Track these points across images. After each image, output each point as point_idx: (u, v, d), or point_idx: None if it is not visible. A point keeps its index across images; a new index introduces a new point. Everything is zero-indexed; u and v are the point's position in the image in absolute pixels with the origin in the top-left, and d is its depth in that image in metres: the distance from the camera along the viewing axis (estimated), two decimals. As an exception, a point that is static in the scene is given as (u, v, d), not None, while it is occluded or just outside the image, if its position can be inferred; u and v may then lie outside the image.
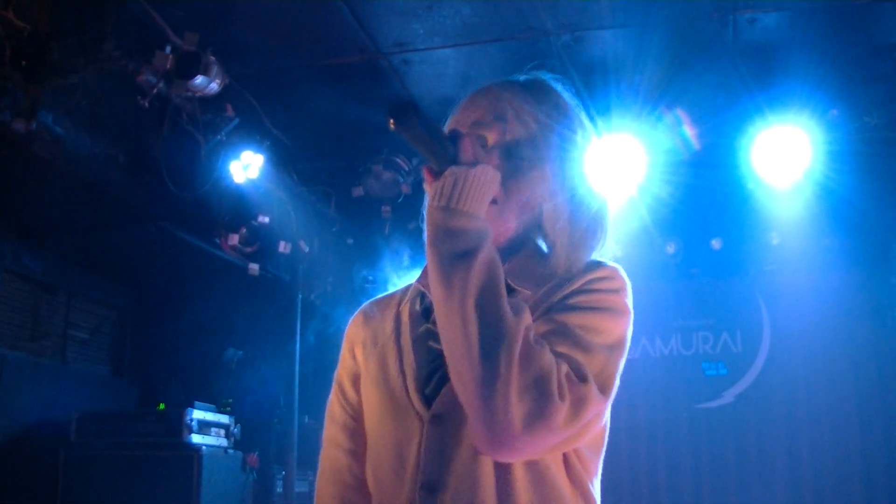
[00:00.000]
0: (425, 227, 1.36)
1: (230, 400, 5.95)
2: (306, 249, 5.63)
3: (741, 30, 4.21)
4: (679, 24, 4.12)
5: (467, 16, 4.10)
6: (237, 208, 5.32)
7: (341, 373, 1.63)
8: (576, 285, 1.42)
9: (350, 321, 1.67)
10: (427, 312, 1.51)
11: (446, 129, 1.49)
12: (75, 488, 5.11)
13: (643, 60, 4.26)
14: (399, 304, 1.59)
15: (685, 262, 5.91)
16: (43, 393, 5.67)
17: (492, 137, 1.49)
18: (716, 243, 5.70)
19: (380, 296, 1.69)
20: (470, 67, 4.50)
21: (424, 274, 1.51)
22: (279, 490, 5.86)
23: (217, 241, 5.48)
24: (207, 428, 5.34)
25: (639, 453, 6.06)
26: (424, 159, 1.40)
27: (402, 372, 1.48)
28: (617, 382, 1.39)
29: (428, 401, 1.43)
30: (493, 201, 1.42)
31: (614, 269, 1.47)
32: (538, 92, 1.56)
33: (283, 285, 5.95)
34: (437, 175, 1.37)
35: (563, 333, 1.34)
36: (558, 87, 1.60)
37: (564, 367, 1.27)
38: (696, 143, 4.89)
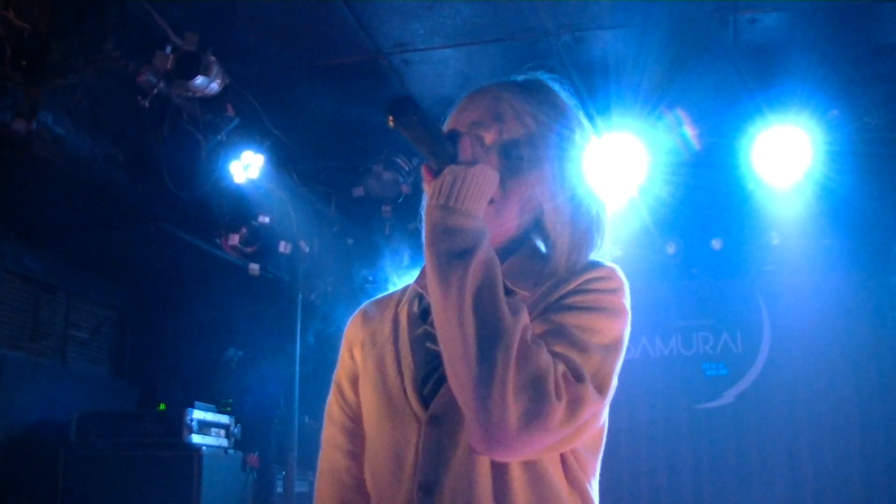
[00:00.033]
0: (423, 225, 1.36)
1: (230, 400, 5.95)
2: (306, 249, 5.64)
3: (741, 30, 4.22)
4: (679, 25, 4.12)
5: (467, 16, 4.10)
6: (237, 208, 5.32)
7: (340, 373, 1.63)
8: (573, 285, 1.42)
9: (349, 322, 1.67)
10: (425, 314, 1.51)
11: (445, 129, 1.49)
12: (75, 488, 5.11)
13: (643, 61, 4.26)
14: (397, 305, 1.59)
15: (685, 263, 5.91)
16: (43, 393, 5.67)
17: (490, 137, 1.49)
18: (716, 243, 5.70)
19: (379, 296, 1.69)
20: (470, 67, 4.50)
21: (422, 275, 1.51)
22: (279, 490, 5.86)
23: (217, 241, 5.49)
24: (207, 428, 5.34)
25: (639, 454, 6.05)
26: (424, 159, 1.40)
27: (400, 373, 1.48)
28: (614, 382, 1.39)
29: (425, 402, 1.42)
30: (491, 201, 1.42)
31: (612, 269, 1.47)
32: (536, 92, 1.56)
33: (284, 285, 5.96)
34: (435, 174, 1.37)
35: (560, 333, 1.33)
36: (556, 86, 1.59)
37: (561, 367, 1.27)
38: (696, 144, 4.89)
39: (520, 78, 1.60)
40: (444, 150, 1.37)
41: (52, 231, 5.69)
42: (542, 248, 1.53)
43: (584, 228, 1.51)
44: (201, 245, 5.67)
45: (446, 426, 1.39)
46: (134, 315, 6.84)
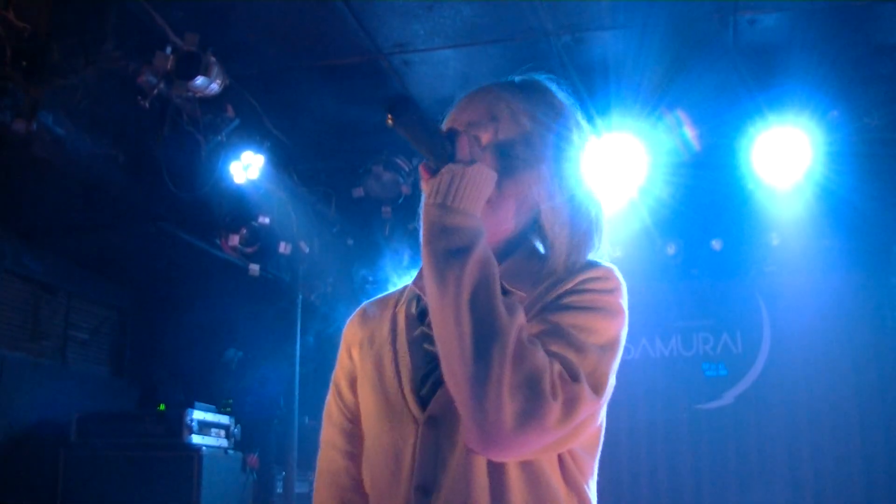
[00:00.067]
0: (421, 224, 1.36)
1: (230, 400, 5.95)
2: (307, 250, 5.64)
3: (741, 31, 4.22)
4: (679, 25, 4.12)
5: (468, 16, 4.10)
6: (237, 209, 5.32)
7: (338, 374, 1.63)
8: (570, 285, 1.42)
9: (347, 323, 1.66)
10: (423, 315, 1.51)
11: (443, 129, 1.49)
12: (75, 488, 5.11)
13: (643, 61, 4.26)
14: (396, 306, 1.59)
15: (685, 263, 5.91)
16: (43, 393, 5.67)
17: (486, 137, 1.49)
18: (716, 244, 5.70)
19: (377, 297, 1.68)
20: (470, 68, 4.50)
21: (420, 276, 1.51)
22: (279, 491, 5.87)
23: (217, 241, 5.49)
24: (207, 428, 5.34)
25: (639, 454, 6.05)
26: (423, 159, 1.40)
27: (398, 374, 1.48)
28: (611, 382, 1.38)
29: (423, 403, 1.42)
30: (488, 200, 1.42)
31: (609, 270, 1.47)
32: (532, 92, 1.56)
33: (284, 286, 5.96)
34: (433, 173, 1.37)
35: (556, 333, 1.33)
36: (553, 87, 1.59)
37: (557, 367, 1.27)
38: (696, 144, 4.89)
39: (517, 78, 1.60)
40: (442, 150, 1.37)
41: (53, 231, 5.69)
42: (541, 248, 1.53)
43: (582, 229, 1.51)
44: (201, 245, 5.67)
45: (444, 427, 1.39)
46: (134, 315, 6.84)
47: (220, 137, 4.71)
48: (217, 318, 6.31)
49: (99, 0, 3.92)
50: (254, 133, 4.97)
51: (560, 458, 1.41)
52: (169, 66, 4.00)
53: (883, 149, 4.75)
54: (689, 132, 4.84)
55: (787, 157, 4.84)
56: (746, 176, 5.05)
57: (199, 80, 4.06)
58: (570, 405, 1.26)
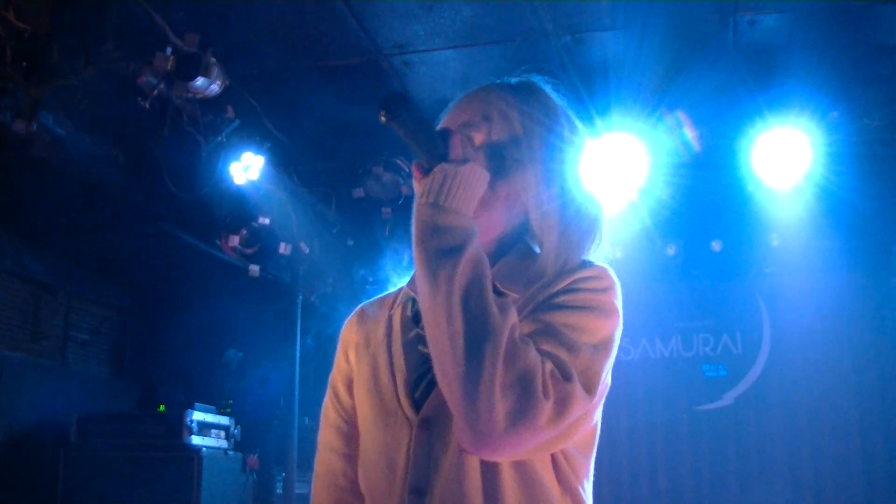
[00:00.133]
0: (413, 223, 1.35)
1: (230, 401, 5.96)
2: (307, 251, 5.64)
3: (741, 31, 4.22)
4: (679, 26, 4.12)
5: (468, 17, 4.10)
6: (238, 209, 5.32)
7: (335, 376, 1.63)
8: (562, 284, 1.41)
9: (344, 324, 1.66)
10: (417, 317, 1.50)
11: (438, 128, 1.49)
12: (75, 489, 5.11)
13: (643, 62, 4.26)
14: (392, 308, 1.59)
15: (686, 264, 5.91)
16: (43, 394, 5.67)
17: (479, 138, 1.48)
18: (716, 245, 5.70)
19: (374, 298, 1.68)
20: (470, 69, 4.50)
21: (414, 278, 1.51)
22: (279, 491, 5.87)
23: (217, 242, 5.49)
24: (207, 429, 5.34)
25: (639, 455, 6.05)
26: (416, 158, 1.40)
27: (393, 376, 1.47)
28: (604, 382, 1.37)
29: (417, 405, 1.42)
30: (481, 201, 1.41)
31: (602, 269, 1.46)
32: (526, 93, 1.56)
33: (284, 286, 5.96)
34: (426, 172, 1.37)
35: (549, 332, 1.33)
36: (547, 88, 1.59)
37: (549, 366, 1.26)
38: (696, 145, 4.89)
39: (513, 80, 1.60)
40: (435, 148, 1.37)
41: (53, 232, 5.70)
42: (536, 248, 1.53)
43: (576, 229, 1.50)
44: (201, 246, 5.68)
45: (437, 429, 1.38)
46: (134, 316, 6.85)
47: (220, 138, 4.71)
48: (217, 319, 6.32)
49: (99, 0, 3.92)
50: (254, 133, 4.97)
51: (553, 459, 1.40)
52: (169, 67, 4.00)
53: (883, 149, 4.75)
54: (690, 133, 4.84)
55: (788, 157, 4.84)
56: (746, 177, 5.05)
57: (200, 81, 4.06)
58: (562, 404, 1.25)
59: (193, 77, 4.03)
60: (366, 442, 1.51)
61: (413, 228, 1.35)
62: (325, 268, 5.94)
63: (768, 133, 4.82)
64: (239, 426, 5.64)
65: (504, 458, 1.34)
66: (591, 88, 4.48)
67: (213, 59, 4.08)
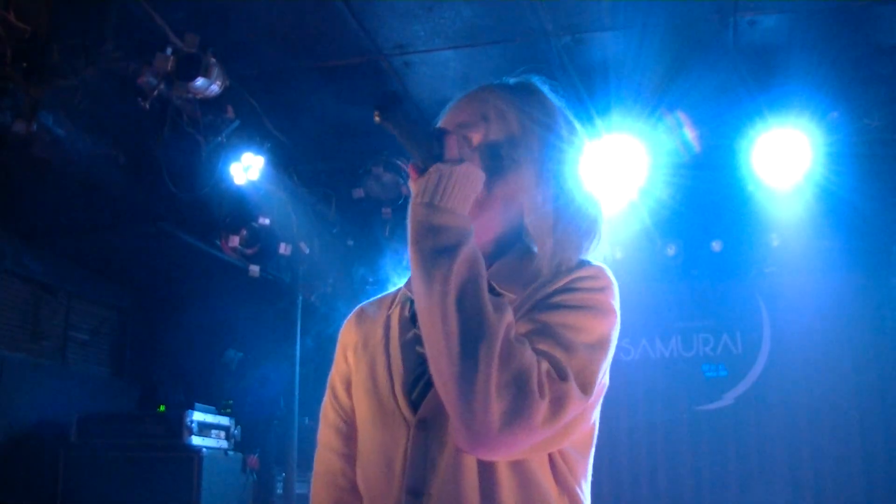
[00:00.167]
0: (408, 223, 1.35)
1: (230, 401, 5.96)
2: (307, 251, 5.64)
3: (741, 32, 4.22)
4: (679, 26, 4.12)
5: (468, 17, 4.10)
6: (238, 210, 5.32)
7: (334, 376, 1.63)
8: (559, 284, 1.41)
9: (343, 325, 1.66)
10: (415, 318, 1.49)
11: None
12: (76, 489, 5.11)
13: (643, 62, 4.26)
14: (390, 308, 1.59)
15: (686, 264, 5.91)
16: (43, 394, 5.67)
17: (477, 138, 1.48)
18: (716, 245, 5.70)
19: (373, 298, 1.68)
20: (470, 69, 4.50)
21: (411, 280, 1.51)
22: (279, 491, 5.87)
23: (217, 242, 5.49)
24: (208, 430, 5.34)
25: (639, 455, 6.05)
26: (411, 157, 1.40)
27: (391, 377, 1.48)
28: (600, 381, 1.37)
29: (415, 406, 1.42)
30: (477, 201, 1.41)
31: (599, 269, 1.46)
32: (524, 93, 1.56)
33: (284, 287, 5.96)
34: (421, 172, 1.37)
35: (545, 332, 1.32)
36: (545, 88, 1.59)
37: (545, 365, 1.26)
38: (696, 145, 4.89)
39: (511, 80, 1.60)
40: (430, 148, 1.37)
41: (53, 232, 5.70)
42: (535, 249, 1.53)
43: (573, 229, 1.50)
44: (201, 246, 5.68)
45: (434, 430, 1.38)
46: (134, 316, 6.85)
47: (220, 138, 4.71)
48: (217, 319, 6.32)
49: (99, 1, 3.92)
50: (254, 134, 4.97)
51: (551, 459, 1.40)
52: (169, 67, 4.00)
53: (883, 149, 4.75)
54: (690, 133, 4.84)
55: (788, 157, 4.84)
56: (746, 177, 5.05)
57: (200, 81, 4.06)
58: (558, 404, 1.25)
59: (193, 77, 4.03)
60: (364, 442, 1.52)
61: (409, 228, 1.34)
62: (325, 268, 5.94)
63: (768, 133, 4.83)
64: (239, 426, 5.64)
65: (500, 458, 1.34)
66: (591, 88, 4.48)
67: (213, 60, 4.08)
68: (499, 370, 1.21)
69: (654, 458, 6.06)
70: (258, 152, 4.99)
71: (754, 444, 5.92)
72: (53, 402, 5.64)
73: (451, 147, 1.37)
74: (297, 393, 5.70)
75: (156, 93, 4.05)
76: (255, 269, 5.52)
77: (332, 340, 1.66)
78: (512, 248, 1.51)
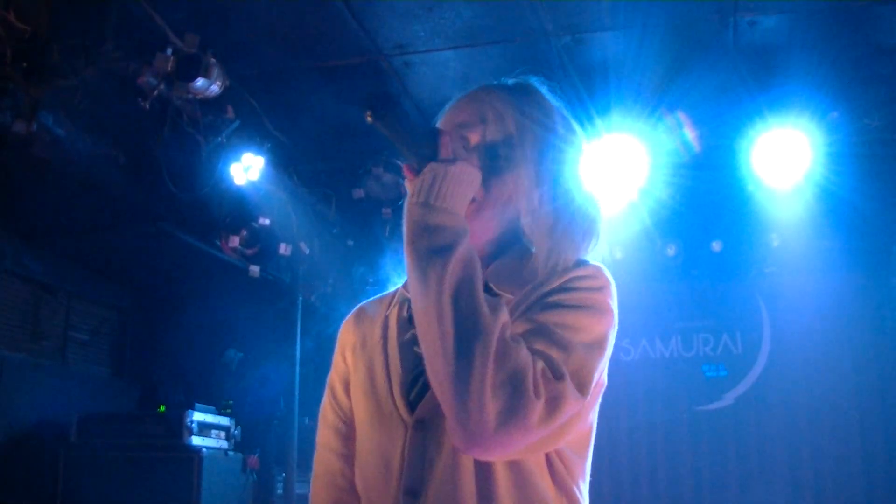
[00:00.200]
0: (403, 223, 1.35)
1: (230, 402, 5.96)
2: (307, 251, 5.64)
3: (741, 32, 4.22)
4: (679, 26, 4.12)
5: (468, 18, 4.10)
6: (238, 210, 5.33)
7: (333, 377, 1.63)
8: (556, 283, 1.41)
9: (342, 325, 1.66)
10: (413, 318, 1.51)
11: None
12: (76, 489, 5.11)
13: (643, 62, 4.26)
14: (388, 309, 1.59)
15: (686, 264, 5.91)
16: (43, 394, 5.67)
17: (475, 138, 1.48)
18: (716, 245, 5.70)
19: (371, 298, 1.68)
20: (471, 69, 4.50)
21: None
22: (279, 492, 5.87)
23: (217, 242, 5.49)
24: (208, 430, 5.34)
25: (639, 455, 6.05)
26: (406, 158, 1.40)
27: (389, 378, 1.48)
28: (597, 381, 1.37)
29: (412, 406, 1.42)
30: (473, 200, 1.41)
31: (597, 268, 1.45)
32: (522, 94, 1.55)
33: (284, 287, 5.96)
34: (416, 172, 1.37)
35: (541, 331, 1.32)
36: (543, 89, 1.59)
37: (540, 365, 1.26)
38: (696, 146, 4.89)
39: (510, 81, 1.60)
40: (423, 148, 1.36)
41: (53, 232, 5.70)
42: (533, 249, 1.52)
43: (571, 229, 1.49)
44: (201, 246, 5.68)
45: (431, 430, 1.38)
46: (134, 316, 6.85)
47: (220, 138, 4.71)
48: (217, 319, 6.32)
49: (99, 1, 3.92)
50: (254, 134, 4.97)
51: (548, 459, 1.40)
52: (169, 68, 4.00)
53: (883, 149, 4.75)
54: (690, 133, 4.84)
55: (788, 158, 4.84)
56: (746, 177, 5.05)
57: (200, 82, 4.06)
58: (554, 403, 1.25)
59: (193, 77, 4.04)
60: (362, 443, 1.52)
61: (404, 228, 1.34)
62: (326, 268, 5.94)
63: (768, 133, 4.83)
64: (239, 426, 5.64)
65: (496, 458, 1.34)
66: (591, 89, 4.48)
67: (213, 60, 4.08)
68: (494, 370, 1.21)
69: (654, 458, 6.06)
70: (258, 152, 4.99)
71: (754, 444, 5.92)
72: (53, 402, 5.64)
73: (445, 146, 1.37)
74: (297, 393, 5.71)
75: (156, 93, 4.05)
76: (255, 269, 5.52)
77: (332, 340, 1.66)
78: (510, 249, 1.51)
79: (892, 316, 5.80)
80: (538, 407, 1.22)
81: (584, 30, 4.20)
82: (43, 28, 3.78)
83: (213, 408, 5.53)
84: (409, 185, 1.39)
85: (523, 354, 1.25)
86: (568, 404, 1.27)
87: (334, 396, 1.61)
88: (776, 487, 5.81)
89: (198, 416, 5.24)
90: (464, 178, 1.36)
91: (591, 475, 1.50)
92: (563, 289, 1.40)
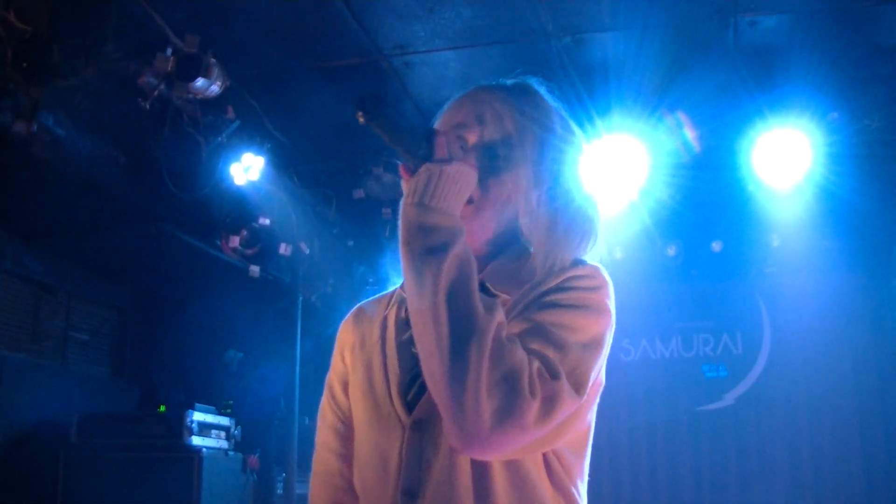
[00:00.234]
0: (399, 224, 1.34)
1: (231, 402, 5.96)
2: (307, 251, 5.64)
3: (742, 32, 4.22)
4: (680, 27, 4.12)
5: (468, 18, 4.10)
6: (238, 210, 5.33)
7: (332, 377, 1.63)
8: (553, 283, 1.41)
9: (341, 325, 1.66)
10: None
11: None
12: (76, 489, 5.11)
13: (644, 63, 4.26)
14: (387, 308, 1.59)
15: (686, 265, 5.91)
16: (43, 394, 5.67)
17: (472, 138, 1.48)
18: (716, 245, 5.70)
19: (371, 298, 1.68)
20: (471, 70, 4.50)
21: None
22: (279, 492, 5.87)
23: (218, 242, 5.49)
24: (208, 430, 5.34)
25: (639, 455, 6.06)
26: (401, 158, 1.40)
27: (386, 378, 1.47)
28: (594, 381, 1.36)
29: (410, 407, 1.42)
30: (470, 200, 1.41)
31: (594, 268, 1.45)
32: (520, 94, 1.55)
33: (284, 287, 5.96)
34: (412, 172, 1.37)
35: (537, 331, 1.32)
36: (542, 89, 1.59)
37: (536, 364, 1.25)
38: (696, 146, 4.89)
39: (509, 81, 1.59)
40: (419, 148, 1.36)
41: (53, 232, 5.70)
42: (531, 249, 1.52)
43: (569, 229, 1.49)
44: (202, 247, 5.68)
45: (428, 431, 1.38)
46: (134, 316, 6.85)
47: (220, 138, 4.71)
48: (217, 319, 6.32)
49: (99, 1, 3.92)
50: (254, 134, 4.98)
51: (546, 460, 1.40)
52: (169, 68, 4.00)
53: (883, 150, 4.75)
54: (690, 133, 4.84)
55: (788, 158, 4.84)
56: (747, 177, 5.05)
57: (200, 82, 4.06)
58: (549, 403, 1.25)
59: (194, 78, 4.04)
60: (360, 443, 1.52)
61: (400, 229, 1.34)
62: (326, 268, 5.94)
63: (768, 133, 4.83)
64: (239, 426, 5.64)
65: (493, 458, 1.34)
66: (592, 89, 4.48)
67: (213, 60, 4.08)
68: (489, 369, 1.21)
69: (654, 458, 6.07)
70: (258, 153, 4.99)
71: (754, 445, 5.92)
72: (53, 402, 5.64)
73: (441, 147, 1.37)
74: (297, 393, 5.71)
75: (156, 93, 4.05)
76: (255, 269, 5.52)
77: (331, 340, 1.66)
78: (508, 249, 1.50)
79: (892, 316, 5.80)
80: (534, 406, 1.22)
81: (585, 30, 4.20)
82: (43, 28, 3.78)
83: (213, 408, 5.53)
84: (404, 186, 1.38)
85: (519, 354, 1.25)
86: (564, 404, 1.27)
87: (333, 396, 1.61)
88: (776, 487, 5.81)
89: (198, 416, 5.24)
90: (459, 178, 1.36)
91: (591, 475, 1.50)
92: (560, 288, 1.40)
